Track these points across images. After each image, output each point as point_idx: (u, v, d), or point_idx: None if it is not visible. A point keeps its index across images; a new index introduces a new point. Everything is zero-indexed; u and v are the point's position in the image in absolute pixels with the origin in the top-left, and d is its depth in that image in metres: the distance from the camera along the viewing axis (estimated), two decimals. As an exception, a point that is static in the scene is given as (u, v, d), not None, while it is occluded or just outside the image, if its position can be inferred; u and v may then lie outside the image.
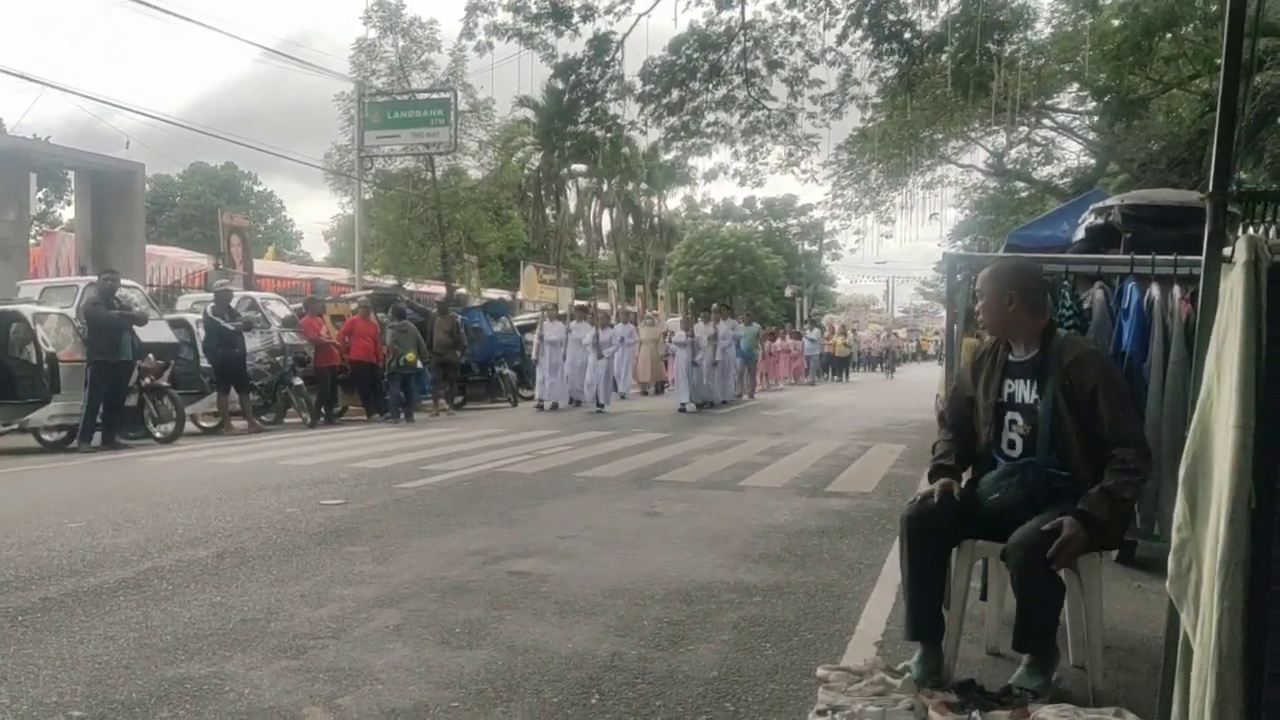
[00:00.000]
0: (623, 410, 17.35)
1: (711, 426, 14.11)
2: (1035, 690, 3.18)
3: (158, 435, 11.71)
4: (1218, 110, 2.61)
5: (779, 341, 29.68)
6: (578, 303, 25.00)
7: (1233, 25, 2.59)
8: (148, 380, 11.65)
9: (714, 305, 21.91)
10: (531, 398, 18.40)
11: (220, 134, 52.24)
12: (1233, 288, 2.18)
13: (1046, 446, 3.32)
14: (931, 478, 3.55)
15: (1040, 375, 3.38)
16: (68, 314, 11.76)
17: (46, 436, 11.36)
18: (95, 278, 12.22)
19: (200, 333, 13.39)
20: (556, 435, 12.29)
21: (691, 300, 35.66)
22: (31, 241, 23.56)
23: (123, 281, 13.80)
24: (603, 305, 30.05)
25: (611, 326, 19.97)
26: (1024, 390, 3.42)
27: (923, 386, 19.35)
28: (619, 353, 19.59)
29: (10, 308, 11.32)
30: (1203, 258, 2.49)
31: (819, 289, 64.70)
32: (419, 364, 15.51)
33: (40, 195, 41.75)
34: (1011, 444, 3.44)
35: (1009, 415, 3.44)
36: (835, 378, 33.40)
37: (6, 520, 6.41)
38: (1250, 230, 2.55)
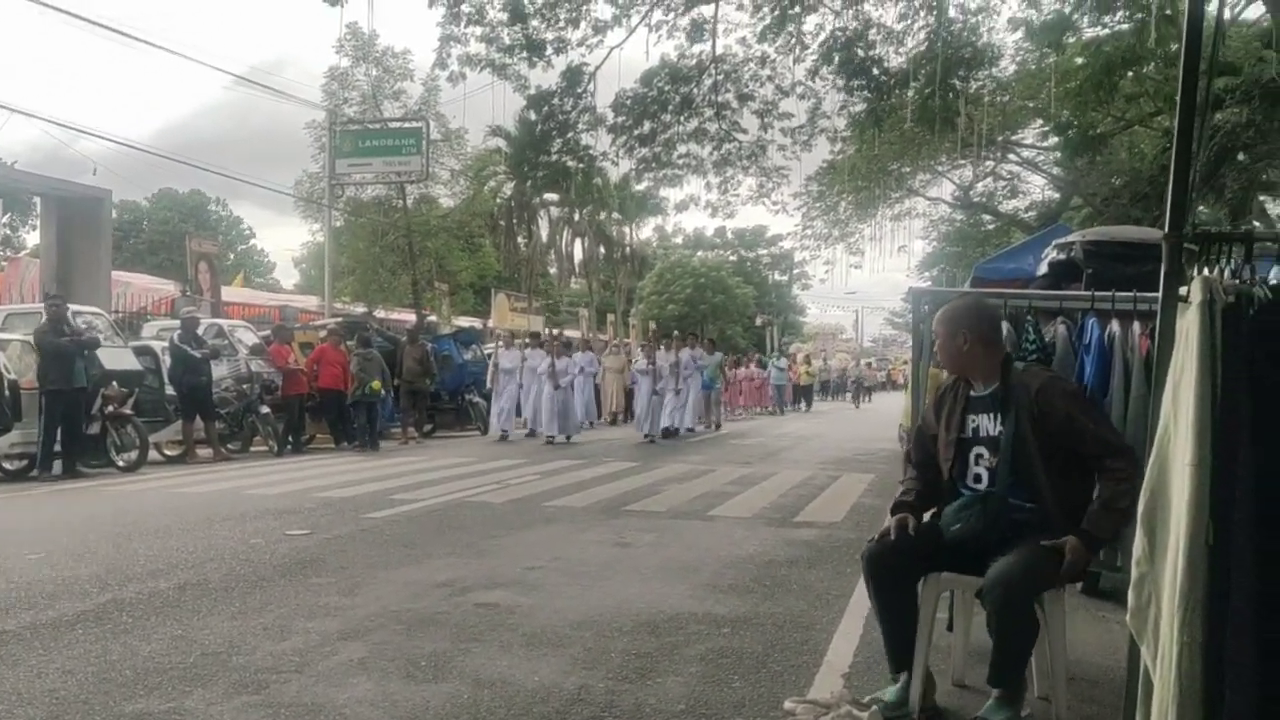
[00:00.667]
0: (589, 440, 17.14)
1: (681, 455, 14.11)
2: (1003, 723, 3.19)
3: (120, 464, 11.55)
4: (1173, 153, 2.68)
5: (743, 369, 29.37)
6: (530, 330, 24.40)
7: (1188, 67, 2.66)
8: (111, 408, 11.50)
9: (674, 332, 21.53)
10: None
11: (188, 160, 52.02)
12: (1189, 327, 2.22)
13: (1007, 476, 3.36)
14: (892, 513, 3.59)
15: (1003, 407, 3.42)
16: (30, 341, 11.61)
17: (7, 465, 11.18)
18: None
19: (166, 360, 13.25)
20: (525, 464, 12.24)
21: (654, 327, 35.31)
22: (-5, 266, 23.27)
23: (87, 308, 13.68)
24: (573, 333, 30.00)
25: (569, 355, 19.12)
26: (987, 424, 3.46)
27: (891, 416, 19.44)
28: (579, 382, 19.06)
29: (-28, 334, 11.16)
30: (1159, 297, 2.54)
31: (789, 319, 65.07)
32: (383, 393, 15.42)
33: (5, 220, 41.37)
34: (978, 478, 3.47)
35: (974, 450, 3.48)
36: (795, 407, 33.28)
37: (-37, 551, 6.29)
38: (1206, 270, 2.60)
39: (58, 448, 10.98)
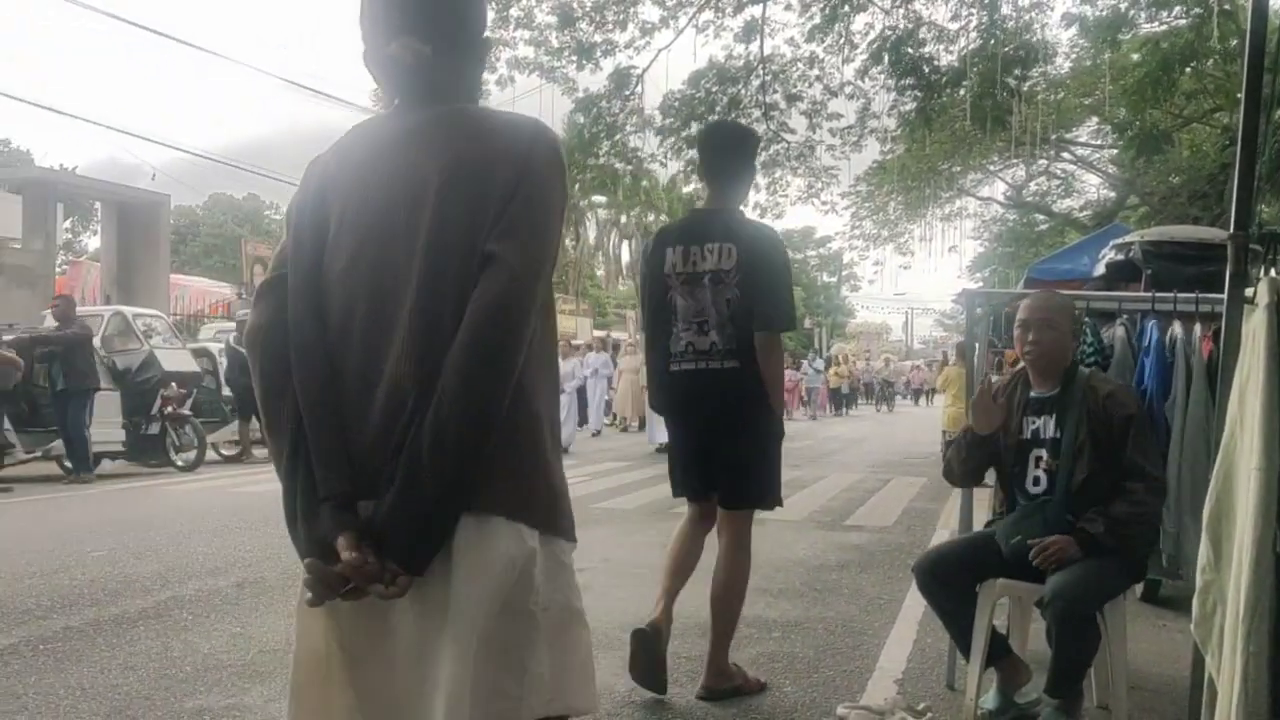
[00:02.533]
0: (590, 449, 15.74)
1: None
2: (1061, 732, 3.15)
3: (179, 463, 11.79)
4: (1238, 150, 2.62)
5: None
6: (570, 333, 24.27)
7: (1252, 63, 2.61)
8: (170, 409, 11.74)
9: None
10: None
11: (241, 165, 52.95)
12: (1255, 330, 2.18)
13: (1066, 481, 3.31)
14: (967, 442, 3.50)
15: (1062, 410, 3.37)
16: (92, 343, 11.88)
17: (69, 464, 11.44)
18: (120, 307, 12.33)
19: (223, 361, 13.50)
20: (575, 465, 12.29)
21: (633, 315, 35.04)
22: (57, 271, 23.87)
23: (147, 311, 13.99)
24: (620, 335, 30.03)
25: (579, 356, 18.55)
26: (1047, 426, 3.40)
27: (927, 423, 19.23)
28: (592, 385, 18.56)
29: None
30: (1224, 298, 2.49)
31: (837, 320, 64.55)
32: None
33: (67, 225, 42.38)
34: (1036, 480, 3.42)
35: (1034, 452, 3.43)
36: (840, 412, 31.45)
37: (29, 548, 6.46)
38: (1273, 271, 2.55)
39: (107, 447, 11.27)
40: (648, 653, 3.61)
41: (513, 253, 1.47)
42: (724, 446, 3.65)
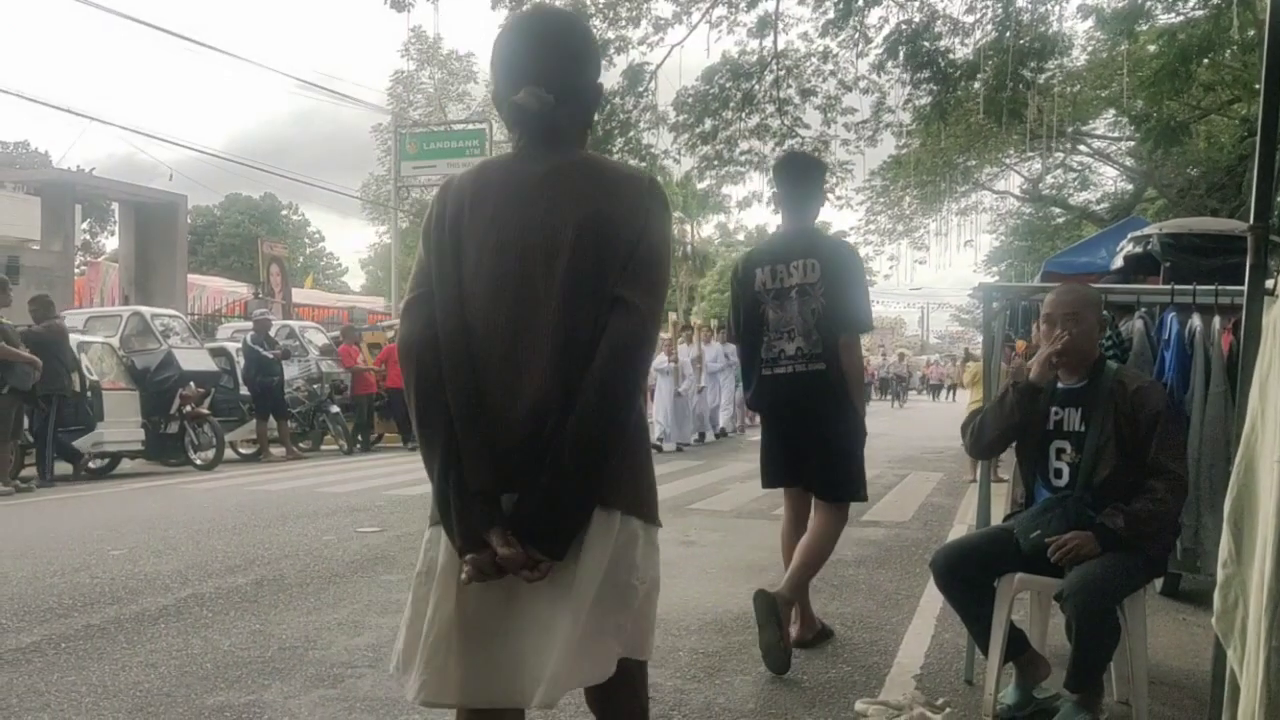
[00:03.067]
0: None
1: (743, 455, 14.05)
2: (1079, 727, 3.13)
3: (198, 462, 11.88)
4: (1258, 141, 2.60)
5: None
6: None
7: (1271, 54, 2.58)
8: (189, 408, 11.82)
9: (696, 322, 19.54)
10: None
11: (257, 164, 53.24)
12: (1276, 321, 2.16)
13: (1089, 475, 3.29)
14: (1017, 392, 3.42)
15: (1088, 404, 3.34)
16: (111, 343, 11.98)
17: (89, 463, 11.53)
18: (138, 307, 12.38)
19: (240, 361, 13.58)
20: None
21: (673, 317, 33.39)
22: (76, 271, 24.06)
23: (165, 311, 14.08)
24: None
25: None
26: (1072, 418, 3.38)
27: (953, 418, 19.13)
28: None
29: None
30: (1245, 290, 2.47)
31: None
32: None
33: (85, 226, 42.66)
34: (1058, 472, 3.40)
35: (1056, 443, 3.41)
36: None
37: (50, 547, 6.51)
38: (1293, 262, 2.52)
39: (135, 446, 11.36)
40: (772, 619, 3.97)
41: (640, 298, 1.78)
42: (815, 443, 4.15)
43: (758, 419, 4.75)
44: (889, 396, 39.36)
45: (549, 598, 1.76)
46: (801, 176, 4.32)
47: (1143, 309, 4.04)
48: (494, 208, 1.85)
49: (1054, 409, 3.43)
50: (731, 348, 15.56)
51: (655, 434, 15.13)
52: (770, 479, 4.40)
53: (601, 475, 1.76)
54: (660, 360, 15.12)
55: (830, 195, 21.06)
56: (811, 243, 4.18)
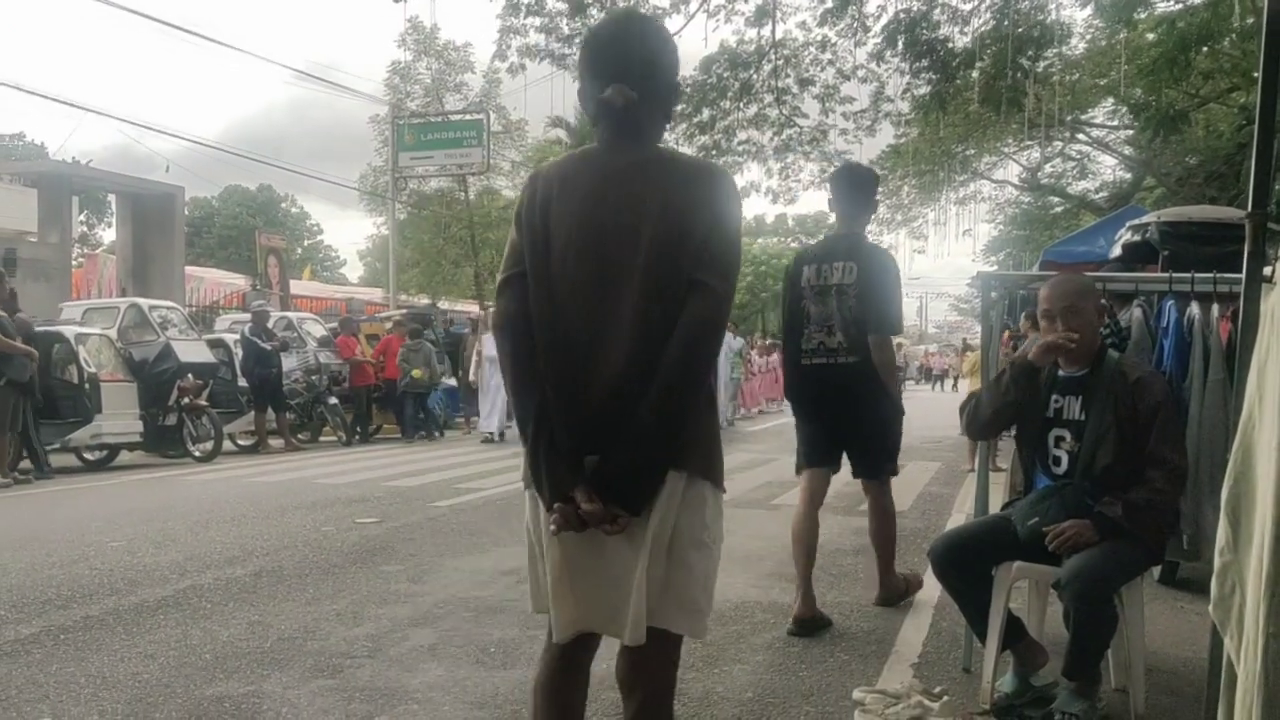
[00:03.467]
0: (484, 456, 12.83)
1: (742, 445, 14.07)
2: (1077, 714, 3.13)
3: (196, 454, 11.87)
4: (1256, 129, 2.59)
5: (766, 358, 24.28)
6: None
7: (1270, 42, 2.57)
8: (187, 399, 11.82)
9: None
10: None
11: (254, 156, 53.06)
12: (1274, 308, 2.15)
13: (1088, 464, 3.29)
14: (1014, 370, 3.43)
15: (1089, 392, 3.34)
16: (109, 335, 11.96)
17: (88, 455, 11.54)
18: (136, 299, 12.33)
19: (238, 352, 13.57)
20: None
21: None
22: (74, 264, 24.01)
23: (163, 302, 14.06)
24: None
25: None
26: (1071, 406, 3.38)
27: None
28: None
29: (53, 329, 11.49)
30: (1243, 277, 2.46)
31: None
32: (437, 381, 15.44)
33: (82, 218, 42.60)
34: (1057, 460, 3.40)
35: (1055, 431, 3.41)
36: None
37: (49, 539, 6.51)
38: (1291, 249, 2.52)
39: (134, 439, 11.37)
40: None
41: (716, 280, 1.95)
42: (849, 428, 4.53)
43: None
44: None
45: (629, 549, 1.97)
46: (857, 189, 4.70)
47: (1141, 297, 4.04)
48: (580, 196, 2.03)
49: (1054, 397, 3.43)
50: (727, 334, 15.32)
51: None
52: (803, 459, 4.70)
53: (677, 441, 1.95)
54: None
55: (829, 185, 21.03)
56: (855, 246, 4.55)
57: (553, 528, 1.98)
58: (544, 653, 2.20)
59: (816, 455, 4.64)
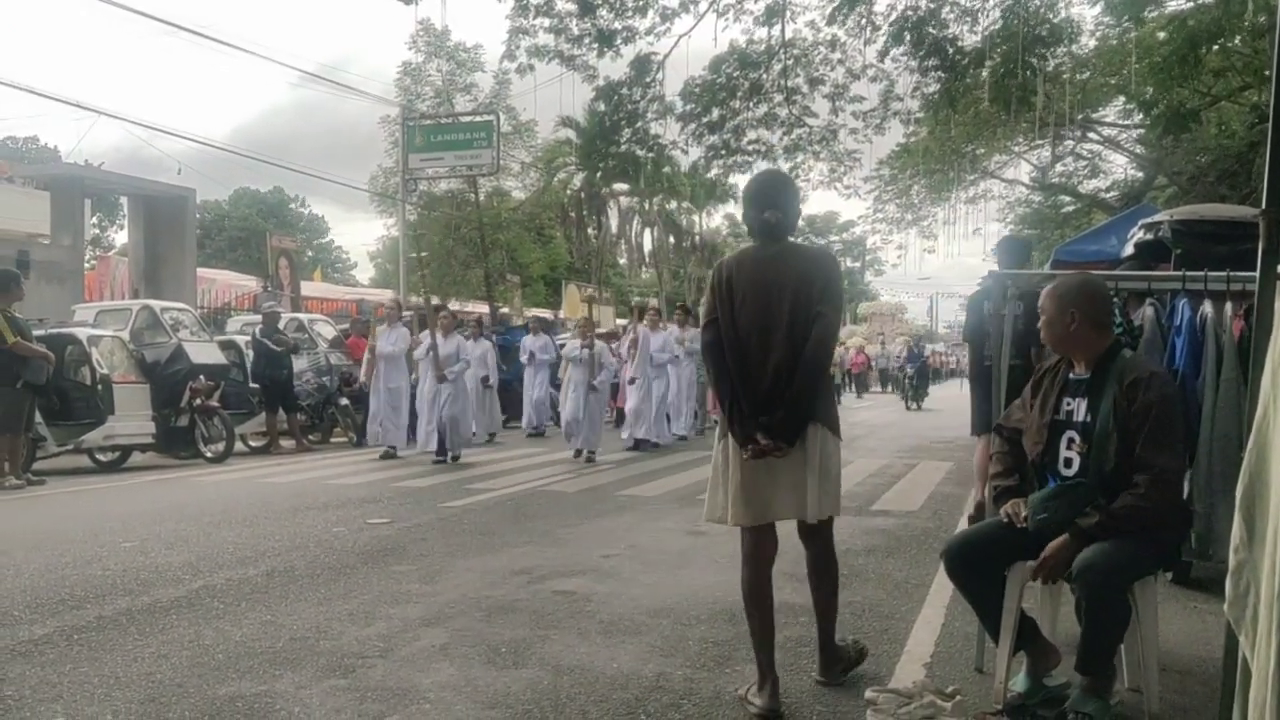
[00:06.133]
0: (489, 459, 11.84)
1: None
2: (1091, 713, 3.12)
3: (208, 455, 11.90)
4: (1269, 125, 2.58)
5: None
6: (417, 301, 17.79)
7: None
8: (199, 401, 11.85)
9: (634, 299, 16.85)
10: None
11: (264, 158, 53.21)
12: (1288, 305, 2.14)
13: (1098, 466, 3.28)
14: (997, 502, 3.52)
15: (1094, 395, 3.34)
16: (121, 337, 12.01)
17: (101, 457, 11.58)
18: (148, 301, 12.36)
19: (249, 354, 13.60)
20: (597, 453, 12.30)
21: (654, 303, 26.20)
22: (86, 266, 24.13)
23: (174, 304, 14.10)
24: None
25: (467, 335, 13.80)
26: (1080, 408, 3.38)
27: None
28: (529, 375, 15.21)
29: (66, 331, 11.54)
30: (1257, 276, 2.45)
31: (860, 306, 63.72)
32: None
33: (94, 220, 42.78)
34: (1068, 462, 3.39)
35: (1066, 434, 3.40)
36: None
37: (62, 540, 6.54)
38: (1305, 246, 2.50)
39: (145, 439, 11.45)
40: None
41: (829, 311, 3.45)
42: None
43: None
44: (900, 392, 31.51)
45: (790, 468, 3.45)
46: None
47: (1154, 296, 4.02)
48: (749, 271, 3.56)
49: (1065, 399, 3.43)
50: (690, 334, 14.07)
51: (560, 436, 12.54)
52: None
53: (813, 404, 3.44)
54: (572, 347, 12.72)
55: (838, 184, 21.01)
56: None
57: (746, 456, 3.42)
58: (744, 560, 3.66)
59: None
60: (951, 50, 14.63)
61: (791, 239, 3.67)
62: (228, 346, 13.75)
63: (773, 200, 3.56)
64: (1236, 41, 14.44)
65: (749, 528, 3.55)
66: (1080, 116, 19.90)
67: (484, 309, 26.91)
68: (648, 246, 45.51)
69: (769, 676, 3.44)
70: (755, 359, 3.46)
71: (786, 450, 3.38)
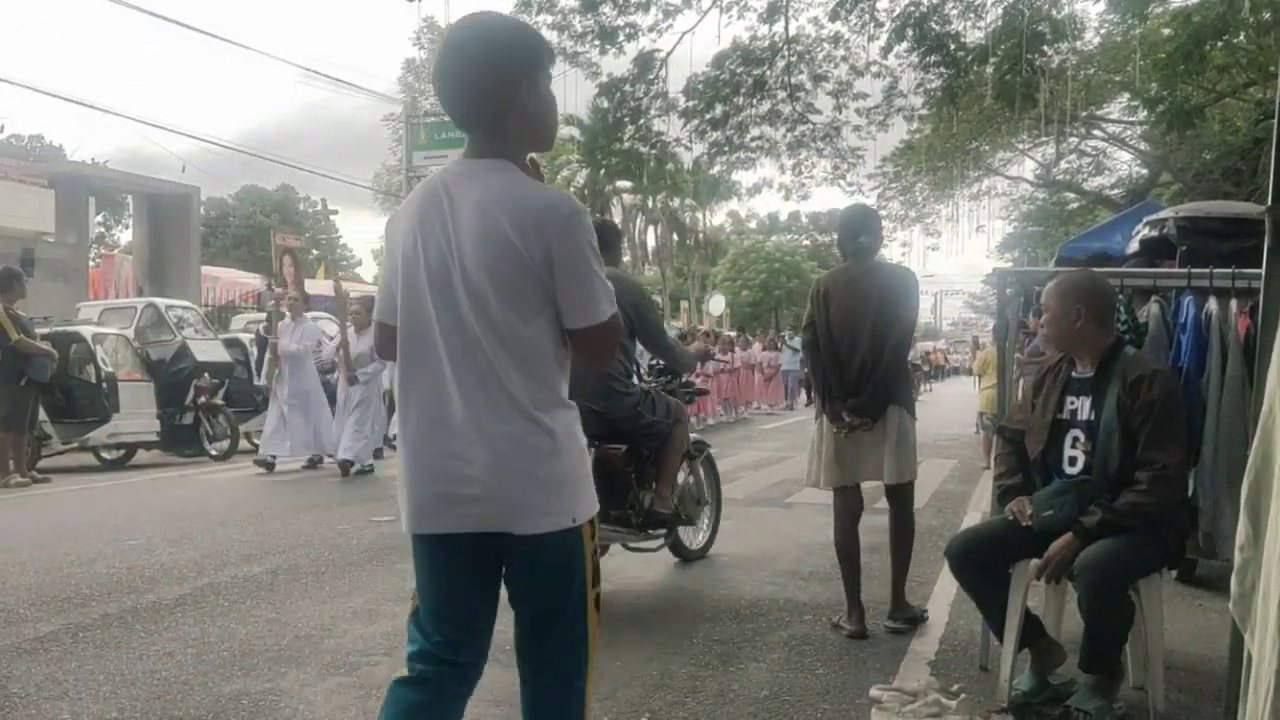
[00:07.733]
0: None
1: (755, 443, 14.05)
2: (1094, 712, 3.12)
3: (213, 452, 11.92)
4: (1275, 120, 2.57)
5: (747, 351, 22.08)
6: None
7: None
8: (203, 399, 11.87)
9: None
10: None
11: (268, 156, 53.23)
12: (1294, 303, 2.13)
13: (1103, 464, 3.27)
14: (1001, 500, 3.52)
15: (1097, 392, 3.33)
16: (126, 335, 12.03)
17: (105, 454, 11.60)
18: (153, 299, 12.38)
19: (254, 351, 13.61)
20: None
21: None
22: (90, 264, 24.14)
23: (179, 302, 14.12)
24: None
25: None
26: (1084, 407, 3.37)
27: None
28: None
29: (70, 329, 11.56)
30: (1262, 273, 2.44)
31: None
32: None
33: (99, 219, 42.83)
34: (1073, 460, 3.39)
35: (1070, 432, 3.39)
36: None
37: (67, 537, 6.55)
38: (1311, 244, 2.49)
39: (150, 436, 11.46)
40: None
41: (905, 321, 4.37)
42: None
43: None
44: None
45: (873, 440, 4.26)
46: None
47: (1159, 293, 4.01)
48: (840, 287, 4.38)
49: (1068, 398, 3.42)
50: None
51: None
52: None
53: (894, 389, 4.28)
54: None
55: (842, 181, 20.97)
56: None
57: (835, 430, 4.26)
58: (835, 516, 4.45)
59: None
60: (954, 47, 14.59)
61: (878, 259, 4.56)
62: (232, 344, 13.76)
63: (866, 228, 4.46)
64: (1241, 38, 14.38)
65: (838, 488, 4.38)
66: (1084, 113, 19.85)
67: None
68: (651, 244, 45.52)
69: (857, 608, 4.34)
70: (844, 355, 4.30)
71: (870, 425, 4.21)
